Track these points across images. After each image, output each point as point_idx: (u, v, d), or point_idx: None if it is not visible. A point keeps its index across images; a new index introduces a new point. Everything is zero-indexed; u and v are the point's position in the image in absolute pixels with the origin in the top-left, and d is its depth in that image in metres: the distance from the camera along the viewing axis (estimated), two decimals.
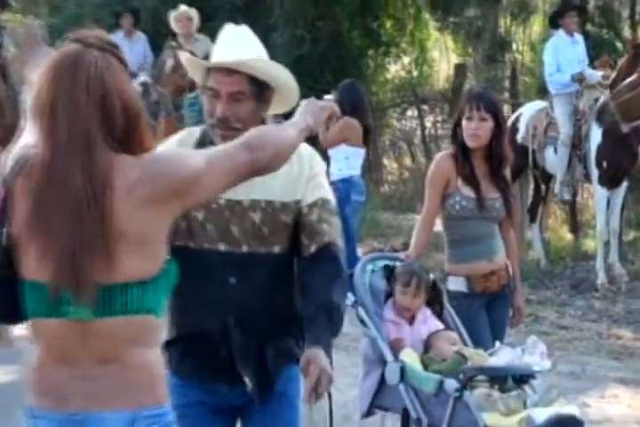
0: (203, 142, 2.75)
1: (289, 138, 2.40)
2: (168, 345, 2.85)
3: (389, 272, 4.40)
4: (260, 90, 2.71)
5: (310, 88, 9.80)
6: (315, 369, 2.59)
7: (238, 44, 2.78)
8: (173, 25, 10.55)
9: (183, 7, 10.17)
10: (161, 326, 2.48)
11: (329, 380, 2.64)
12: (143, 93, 9.96)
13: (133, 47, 10.63)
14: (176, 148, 2.75)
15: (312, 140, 8.27)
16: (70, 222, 2.17)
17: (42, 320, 2.26)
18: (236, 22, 3.06)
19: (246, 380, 2.83)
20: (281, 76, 2.76)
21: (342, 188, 7.80)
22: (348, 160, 8.01)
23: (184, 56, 2.96)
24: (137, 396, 2.27)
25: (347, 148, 7.98)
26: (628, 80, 7.92)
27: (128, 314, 2.19)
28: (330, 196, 2.86)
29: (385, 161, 13.12)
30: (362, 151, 8.12)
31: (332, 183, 7.79)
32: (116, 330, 2.23)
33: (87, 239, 2.15)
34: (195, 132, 2.87)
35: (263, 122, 2.78)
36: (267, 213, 2.72)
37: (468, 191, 4.46)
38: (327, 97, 7.81)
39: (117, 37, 9.99)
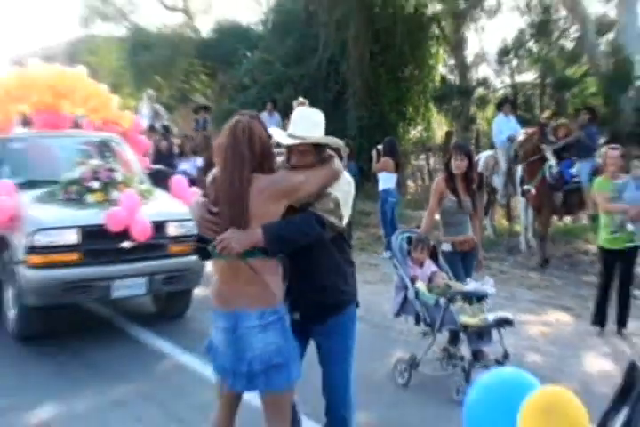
0: None
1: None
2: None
3: (410, 240, 5.93)
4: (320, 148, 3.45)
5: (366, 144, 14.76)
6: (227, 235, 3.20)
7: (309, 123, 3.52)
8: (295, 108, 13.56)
9: (301, 99, 12.71)
10: (278, 263, 3.36)
11: (228, 245, 3.21)
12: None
13: (272, 121, 13.24)
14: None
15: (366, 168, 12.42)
16: (229, 207, 3.28)
17: (216, 260, 3.41)
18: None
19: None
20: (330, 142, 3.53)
21: (384, 195, 11.08)
22: (387, 180, 11.19)
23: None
24: (264, 301, 3.27)
25: (386, 173, 11.20)
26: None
27: (257, 256, 3.25)
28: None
29: (408, 182, 17.33)
30: (394, 176, 11.24)
31: (379, 192, 11.02)
32: (254, 265, 3.27)
33: (236, 218, 3.25)
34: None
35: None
36: None
37: (453, 197, 6.00)
38: (378, 147, 11.50)
39: (263, 115, 12.58)
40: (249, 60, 20.00)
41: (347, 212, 3.48)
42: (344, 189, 3.47)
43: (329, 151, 3.54)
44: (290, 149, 3.46)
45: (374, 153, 11.95)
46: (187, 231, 6.62)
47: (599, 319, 7.16)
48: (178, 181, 7.98)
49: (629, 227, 6.79)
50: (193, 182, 9.40)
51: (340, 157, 3.74)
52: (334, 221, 3.37)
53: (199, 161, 11.36)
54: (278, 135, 3.46)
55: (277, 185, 3.27)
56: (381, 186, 11.36)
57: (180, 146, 12.59)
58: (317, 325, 3.62)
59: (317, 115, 3.58)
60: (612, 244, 6.97)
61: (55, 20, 73.34)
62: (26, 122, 8.91)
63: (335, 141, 3.53)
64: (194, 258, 5.32)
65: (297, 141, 3.41)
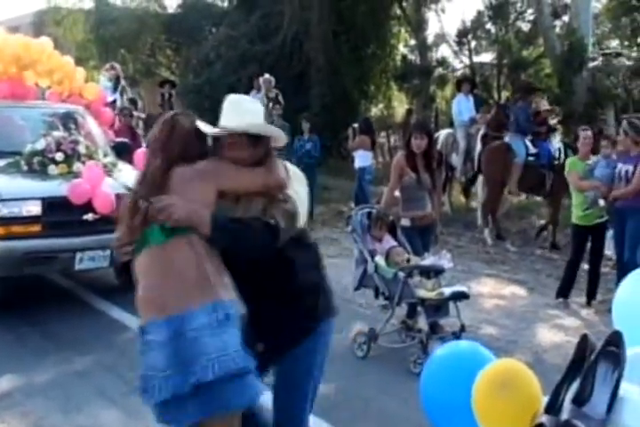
0: None
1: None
2: None
3: (370, 215, 5.95)
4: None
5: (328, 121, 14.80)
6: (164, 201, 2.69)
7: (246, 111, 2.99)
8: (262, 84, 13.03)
9: (267, 75, 12.79)
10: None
11: (170, 209, 2.69)
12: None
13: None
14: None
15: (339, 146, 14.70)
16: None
17: (138, 259, 2.90)
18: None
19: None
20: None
21: (360, 172, 11.32)
22: (364, 158, 11.49)
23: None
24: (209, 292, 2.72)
25: (363, 151, 11.50)
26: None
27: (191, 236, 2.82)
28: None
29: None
30: (370, 154, 11.66)
31: (355, 170, 11.23)
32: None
33: None
34: None
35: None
36: None
37: (413, 174, 6.01)
38: (354, 125, 12.00)
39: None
40: (214, 35, 19.75)
41: (303, 214, 3.01)
42: (299, 190, 3.00)
43: (273, 150, 3.01)
44: (220, 142, 2.93)
45: (350, 132, 12.04)
46: None
47: (565, 293, 7.36)
48: (142, 154, 7.84)
49: (601, 203, 7.02)
50: None
51: (281, 150, 3.14)
52: (287, 229, 2.86)
53: None
54: (203, 126, 2.94)
55: (203, 168, 2.86)
56: (358, 163, 11.54)
57: (145, 121, 12.36)
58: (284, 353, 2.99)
59: (250, 102, 3.15)
60: (584, 220, 7.18)
61: None
62: None
63: (270, 130, 3.01)
64: None
65: (221, 131, 2.91)
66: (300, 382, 3.03)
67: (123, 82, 12.59)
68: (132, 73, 19.64)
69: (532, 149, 10.15)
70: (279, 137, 3.01)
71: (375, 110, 19.84)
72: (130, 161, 7.57)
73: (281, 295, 2.91)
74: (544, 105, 11.33)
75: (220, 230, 2.73)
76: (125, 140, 8.76)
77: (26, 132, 7.13)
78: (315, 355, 3.02)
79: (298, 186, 3.01)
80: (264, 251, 2.84)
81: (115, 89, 12.18)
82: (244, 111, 2.94)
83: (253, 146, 2.90)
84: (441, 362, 2.39)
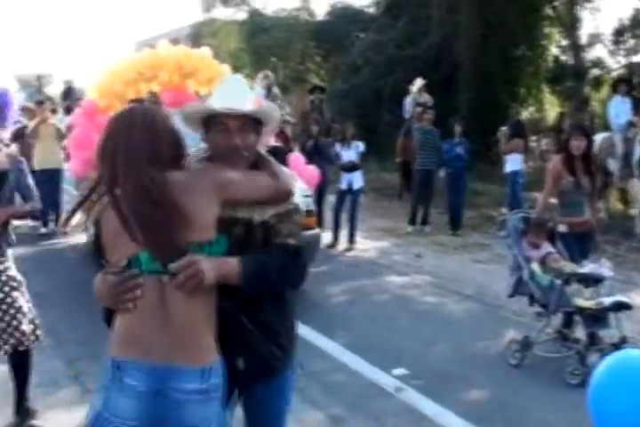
0: None
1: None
2: None
3: (526, 220, 5.84)
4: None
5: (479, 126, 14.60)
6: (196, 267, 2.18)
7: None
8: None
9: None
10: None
11: (199, 273, 2.18)
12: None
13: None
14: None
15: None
16: (153, 224, 2.23)
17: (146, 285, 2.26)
18: None
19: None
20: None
21: (513, 176, 11.00)
22: (516, 161, 11.06)
23: None
24: (207, 352, 2.30)
25: (515, 155, 11.07)
26: None
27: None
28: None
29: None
30: (522, 157, 11.22)
31: (505, 174, 10.98)
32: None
33: (166, 232, 2.24)
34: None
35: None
36: None
37: (571, 178, 5.80)
38: (502, 128, 11.68)
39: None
40: (361, 41, 19.94)
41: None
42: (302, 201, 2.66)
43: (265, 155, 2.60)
44: (223, 129, 2.44)
45: (500, 135, 11.72)
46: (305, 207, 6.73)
47: None
48: (296, 158, 8.04)
49: None
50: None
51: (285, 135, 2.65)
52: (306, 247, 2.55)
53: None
54: (215, 101, 2.44)
55: (203, 177, 2.33)
56: (510, 167, 11.15)
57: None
58: (264, 378, 2.59)
59: (245, 84, 2.63)
60: None
61: (179, 5, 75.36)
62: (155, 100, 9.13)
63: (277, 113, 2.60)
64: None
65: (239, 110, 2.42)
66: (281, 412, 2.73)
67: (275, 89, 12.94)
68: (283, 80, 20.14)
69: None
70: (291, 120, 2.66)
71: (526, 114, 19.27)
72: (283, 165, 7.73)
73: (278, 310, 2.59)
74: None
75: (251, 279, 2.34)
76: (279, 144, 8.97)
77: (188, 138, 7.41)
78: (290, 389, 2.73)
79: (297, 197, 2.65)
80: (296, 284, 2.60)
81: (267, 96, 12.53)
82: (244, 93, 2.53)
83: (256, 133, 2.50)
84: (613, 372, 2.18)
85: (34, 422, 4.38)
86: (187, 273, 2.17)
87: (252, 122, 2.47)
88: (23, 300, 4.25)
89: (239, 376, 2.44)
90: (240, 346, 2.43)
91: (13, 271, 4.25)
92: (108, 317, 2.39)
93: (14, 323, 4.16)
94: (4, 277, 4.19)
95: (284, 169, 2.59)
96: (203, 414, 2.23)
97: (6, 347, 4.15)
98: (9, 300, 4.16)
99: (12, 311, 4.16)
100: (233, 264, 2.30)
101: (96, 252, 2.40)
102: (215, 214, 2.28)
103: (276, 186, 2.44)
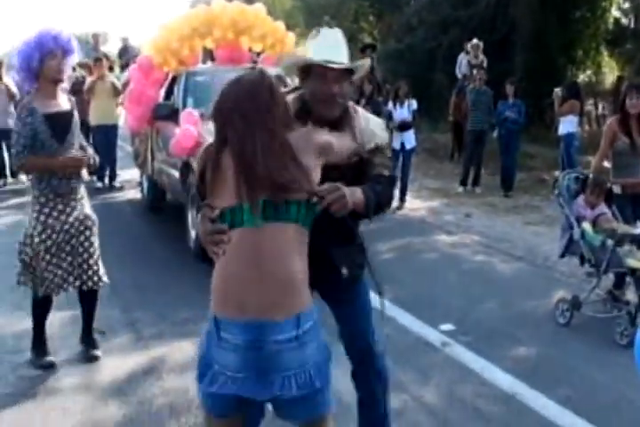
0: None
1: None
2: None
3: (579, 180, 5.78)
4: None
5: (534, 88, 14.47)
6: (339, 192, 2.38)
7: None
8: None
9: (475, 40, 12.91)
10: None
11: (343, 204, 2.38)
12: None
13: None
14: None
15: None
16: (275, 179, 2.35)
17: (241, 234, 2.38)
18: None
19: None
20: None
21: (568, 138, 10.61)
22: (571, 124, 10.64)
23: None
24: (299, 300, 2.39)
25: (572, 117, 10.61)
26: None
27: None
28: None
29: None
30: (577, 119, 10.78)
31: (560, 136, 10.54)
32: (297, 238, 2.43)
33: (294, 184, 2.37)
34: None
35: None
36: None
37: (626, 139, 5.73)
38: (556, 90, 11.01)
39: None
40: (416, 1, 19.62)
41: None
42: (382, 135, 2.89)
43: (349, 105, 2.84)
44: (321, 76, 2.70)
45: (555, 96, 11.40)
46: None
47: None
48: None
49: None
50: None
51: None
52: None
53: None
54: (315, 52, 2.73)
55: (310, 139, 2.49)
56: (565, 129, 10.74)
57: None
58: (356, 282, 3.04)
59: (342, 36, 2.81)
60: None
61: None
62: (209, 56, 9.16)
63: (367, 65, 2.89)
64: None
65: (339, 64, 2.69)
66: (366, 305, 3.12)
67: None
68: None
69: None
70: (360, 74, 2.87)
71: (583, 77, 18.71)
72: None
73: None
74: None
75: (371, 206, 2.63)
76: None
77: None
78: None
79: (380, 133, 2.90)
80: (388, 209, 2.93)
81: None
82: (340, 45, 2.77)
83: (349, 82, 2.80)
84: None
85: (96, 351, 4.74)
86: (333, 196, 2.37)
87: (347, 72, 2.73)
88: (96, 239, 4.56)
89: (340, 282, 2.89)
90: (343, 257, 2.86)
91: (88, 209, 4.54)
92: (204, 252, 2.66)
93: (91, 262, 4.52)
94: (81, 216, 4.46)
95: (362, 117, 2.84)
96: (299, 358, 2.35)
97: (80, 284, 4.52)
98: (82, 238, 4.48)
99: (90, 250, 4.51)
100: (359, 194, 2.54)
101: (198, 193, 2.61)
102: (318, 175, 2.45)
103: (355, 148, 2.69)
